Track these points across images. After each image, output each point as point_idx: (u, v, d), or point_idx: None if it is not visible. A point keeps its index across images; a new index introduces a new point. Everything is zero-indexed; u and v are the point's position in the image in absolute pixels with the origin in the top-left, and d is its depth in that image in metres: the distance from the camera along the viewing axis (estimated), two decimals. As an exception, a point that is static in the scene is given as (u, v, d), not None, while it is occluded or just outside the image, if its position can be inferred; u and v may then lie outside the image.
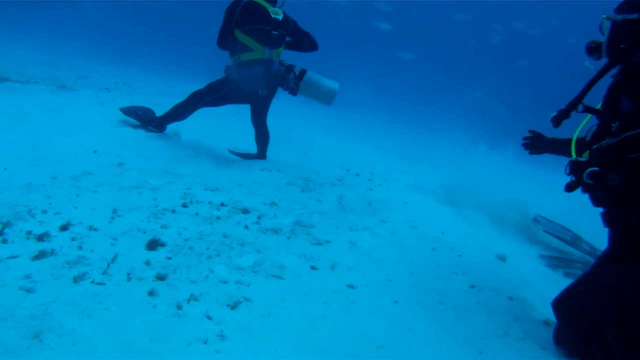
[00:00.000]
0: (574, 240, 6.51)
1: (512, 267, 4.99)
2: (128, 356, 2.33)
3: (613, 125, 3.17)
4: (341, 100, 10.31)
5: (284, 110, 8.09)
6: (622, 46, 3.08)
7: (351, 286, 3.63)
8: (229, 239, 3.89)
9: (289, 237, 4.23)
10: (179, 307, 2.79)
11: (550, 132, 4.11)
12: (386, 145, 11.59)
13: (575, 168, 3.44)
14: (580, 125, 3.67)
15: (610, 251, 3.49)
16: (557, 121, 3.48)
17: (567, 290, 3.37)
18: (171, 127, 6.99)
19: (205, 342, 2.54)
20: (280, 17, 6.52)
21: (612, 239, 3.45)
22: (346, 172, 7.46)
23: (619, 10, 3.15)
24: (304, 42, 6.98)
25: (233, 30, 6.42)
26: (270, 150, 7.41)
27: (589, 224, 6.64)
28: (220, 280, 3.23)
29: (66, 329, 2.41)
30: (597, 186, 3.29)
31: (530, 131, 4.43)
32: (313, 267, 3.79)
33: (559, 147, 4.21)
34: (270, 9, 6.47)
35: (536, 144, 4.38)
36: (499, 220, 6.88)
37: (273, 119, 7.49)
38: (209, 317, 2.78)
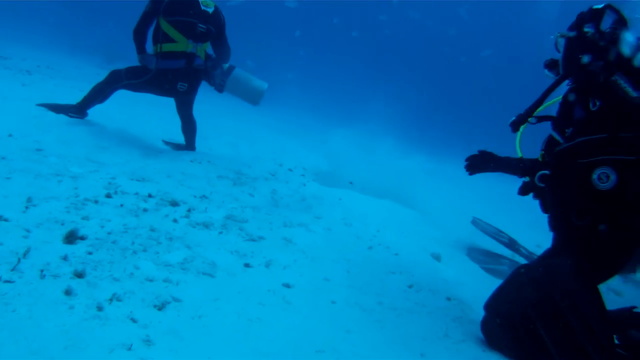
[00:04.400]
0: (512, 244, 6.59)
1: (447, 266, 4.99)
2: (38, 366, 2.03)
3: (567, 130, 3.27)
4: (271, 95, 10.14)
5: (212, 102, 7.83)
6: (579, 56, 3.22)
7: (287, 285, 3.45)
8: (156, 233, 3.62)
9: (220, 232, 4.00)
10: (100, 309, 2.50)
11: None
12: (317, 141, 11.43)
13: (527, 171, 3.55)
14: (520, 130, 3.78)
15: (551, 253, 3.54)
16: (515, 126, 3.61)
17: (498, 290, 3.40)
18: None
19: (129, 349, 2.27)
20: (210, 10, 6.25)
21: (556, 242, 3.50)
22: (279, 167, 7.30)
23: (571, 28, 3.40)
24: (216, 46, 6.71)
25: (158, 18, 6.08)
26: (200, 142, 7.13)
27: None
28: (147, 278, 2.96)
29: (-36, 335, 2.09)
30: (546, 190, 3.37)
31: (479, 151, 4.27)
32: (247, 265, 3.58)
33: (506, 164, 4.10)
34: (202, 0, 6.19)
35: (477, 164, 4.20)
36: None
37: (201, 110, 7.20)
38: (134, 320, 2.51)
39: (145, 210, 3.98)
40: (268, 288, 3.33)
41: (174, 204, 4.28)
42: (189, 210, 4.22)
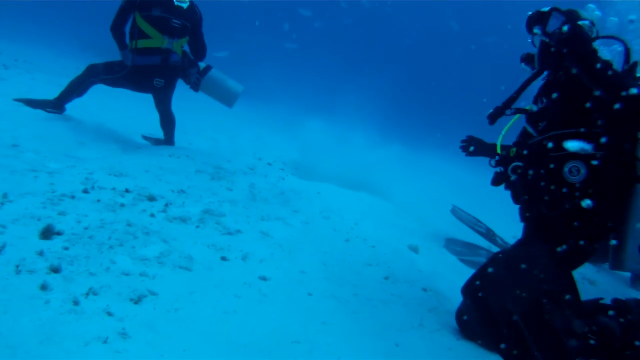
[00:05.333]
0: (489, 234, 6.68)
1: (424, 258, 5.04)
2: (12, 361, 2.06)
3: (540, 124, 3.33)
4: (253, 90, 10.11)
5: (192, 97, 7.82)
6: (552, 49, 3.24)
7: (263, 278, 3.49)
8: (133, 227, 3.63)
9: (197, 226, 4.02)
10: (76, 303, 2.53)
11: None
12: (297, 134, 11.44)
13: (501, 162, 3.62)
14: (507, 125, 3.84)
15: (523, 242, 3.62)
16: (493, 118, 3.66)
17: (475, 274, 3.45)
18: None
19: (105, 342, 2.30)
20: (185, 5, 6.22)
21: (527, 233, 3.58)
22: (258, 161, 7.32)
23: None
24: (191, 43, 6.63)
25: (134, 13, 6.06)
26: (180, 136, 7.12)
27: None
28: (123, 272, 2.98)
29: (-61, 331, 2.11)
30: (518, 181, 3.43)
31: (467, 136, 4.47)
32: (223, 258, 3.61)
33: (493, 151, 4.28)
34: None
35: (471, 147, 4.41)
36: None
37: (182, 105, 7.19)
38: (110, 313, 2.54)
39: (122, 205, 3.99)
40: (244, 281, 3.37)
41: (151, 198, 4.29)
42: (166, 205, 4.23)
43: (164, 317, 2.68)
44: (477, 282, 3.38)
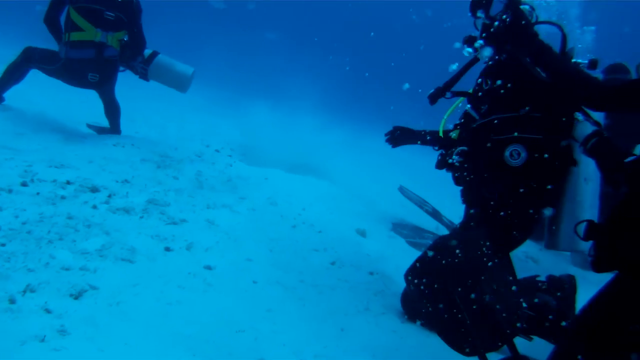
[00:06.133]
0: (435, 213, 6.80)
1: (372, 242, 5.10)
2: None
3: (482, 107, 3.39)
4: (204, 77, 9.95)
5: (141, 85, 7.67)
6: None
7: (208, 267, 3.49)
8: (74, 220, 3.56)
9: (141, 217, 3.98)
10: (12, 301, 2.47)
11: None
12: (245, 121, 11.37)
13: (443, 145, 3.68)
14: (450, 108, 3.89)
15: (465, 224, 3.69)
16: (433, 98, 3.70)
17: (417, 259, 3.53)
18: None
19: (43, 340, 2.26)
20: None
21: (468, 215, 3.65)
22: (206, 148, 7.26)
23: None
24: (129, 36, 6.34)
25: (67, 5, 5.85)
26: (127, 125, 6.99)
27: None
28: (63, 267, 2.93)
29: None
30: (462, 164, 3.49)
31: (393, 127, 4.51)
32: (167, 249, 3.59)
33: (424, 136, 4.33)
34: None
35: (397, 137, 4.45)
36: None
37: (130, 94, 7.04)
38: (48, 310, 2.49)
39: (63, 197, 3.90)
40: (189, 271, 3.36)
41: (94, 190, 4.21)
42: (109, 196, 4.16)
43: (105, 311, 2.66)
44: (418, 267, 3.45)
